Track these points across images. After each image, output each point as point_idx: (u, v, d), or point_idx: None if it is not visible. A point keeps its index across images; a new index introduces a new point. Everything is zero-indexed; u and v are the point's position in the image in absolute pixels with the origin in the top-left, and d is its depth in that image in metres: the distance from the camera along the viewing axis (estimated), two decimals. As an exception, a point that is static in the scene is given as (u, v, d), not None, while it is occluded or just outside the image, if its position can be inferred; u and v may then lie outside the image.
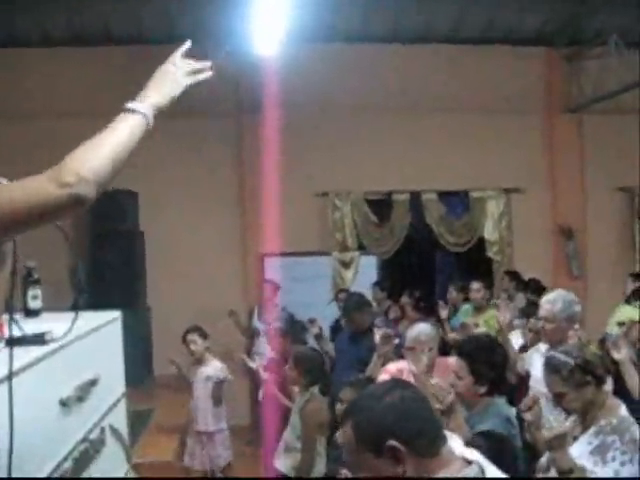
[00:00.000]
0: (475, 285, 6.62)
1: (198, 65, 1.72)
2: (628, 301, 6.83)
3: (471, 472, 1.60)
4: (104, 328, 2.41)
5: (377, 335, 4.53)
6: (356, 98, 8.22)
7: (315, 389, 4.34)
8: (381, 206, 8.73)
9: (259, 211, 8.12)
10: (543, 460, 3.04)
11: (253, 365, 5.01)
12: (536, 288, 6.90)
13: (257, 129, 8.02)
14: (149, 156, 7.68)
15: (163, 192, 7.92)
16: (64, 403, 1.87)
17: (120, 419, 2.60)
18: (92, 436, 2.14)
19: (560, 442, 2.80)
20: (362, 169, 8.43)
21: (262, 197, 8.15)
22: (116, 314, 2.61)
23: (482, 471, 1.63)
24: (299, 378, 4.39)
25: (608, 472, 2.83)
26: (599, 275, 8.58)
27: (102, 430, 2.30)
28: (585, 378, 3.01)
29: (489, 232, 8.82)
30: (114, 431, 2.51)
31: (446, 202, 8.85)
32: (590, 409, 3.03)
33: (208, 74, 1.75)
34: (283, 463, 4.39)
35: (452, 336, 5.93)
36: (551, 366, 3.11)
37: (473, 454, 1.69)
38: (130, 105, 1.53)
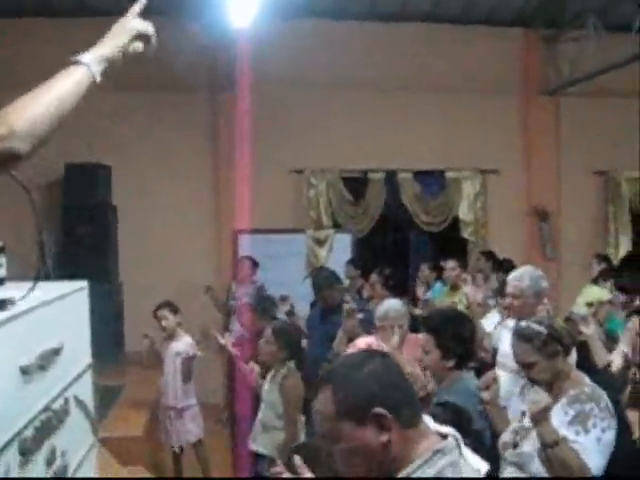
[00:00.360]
0: (450, 264, 6.65)
1: (149, 30, 1.66)
2: (595, 282, 6.91)
3: (450, 444, 1.59)
4: (69, 297, 2.36)
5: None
6: (333, 76, 8.18)
7: (292, 364, 4.28)
8: (356, 184, 8.72)
9: (233, 187, 8.09)
10: (506, 437, 3.07)
11: (222, 341, 4.97)
12: (509, 268, 6.94)
13: (232, 105, 7.95)
14: (123, 130, 7.72)
15: (137, 166, 7.84)
16: (25, 371, 1.83)
17: (86, 391, 2.56)
18: (55, 406, 2.11)
19: (544, 415, 2.84)
20: (338, 147, 8.40)
21: (236, 173, 8.11)
22: (83, 284, 2.56)
23: (458, 443, 1.61)
24: (277, 352, 4.30)
25: (591, 439, 2.87)
26: (572, 257, 8.66)
27: (66, 401, 2.26)
28: (556, 348, 3.06)
29: (464, 212, 8.86)
30: (79, 402, 2.48)
31: (421, 181, 8.86)
32: (557, 380, 3.08)
33: (151, 47, 1.68)
34: (262, 444, 4.32)
35: (417, 312, 5.96)
36: (523, 336, 3.15)
37: (443, 428, 1.67)
38: (74, 57, 1.47)
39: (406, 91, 8.42)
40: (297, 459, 1.48)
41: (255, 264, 7.50)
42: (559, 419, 2.93)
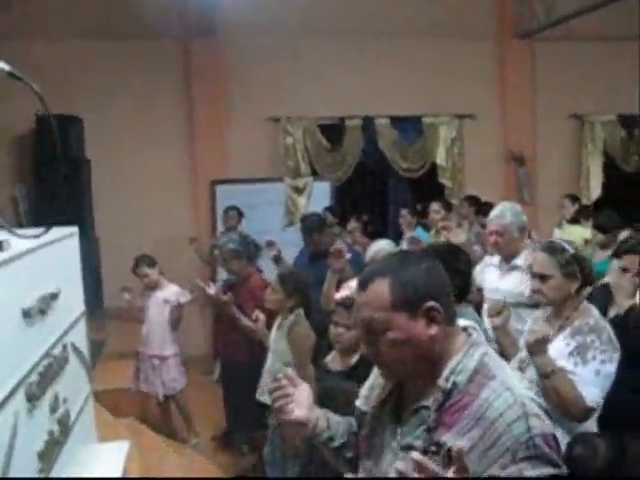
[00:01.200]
0: (435, 206, 6.61)
1: None
2: (575, 221, 6.91)
3: (480, 337, 1.76)
4: (62, 242, 2.29)
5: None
6: (308, 22, 7.99)
7: (300, 311, 4.12)
8: (333, 132, 8.60)
9: (209, 137, 7.95)
10: (513, 364, 3.06)
11: (211, 291, 4.89)
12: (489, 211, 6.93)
13: (206, 53, 7.78)
14: (94, 81, 7.50)
15: (110, 118, 7.61)
16: (27, 314, 1.77)
17: (81, 339, 2.50)
18: (55, 352, 2.05)
19: (542, 345, 2.85)
20: (314, 94, 8.26)
21: (212, 123, 7.97)
22: (73, 229, 2.48)
23: (479, 332, 1.78)
24: (285, 300, 4.14)
25: (589, 371, 2.88)
26: (549, 201, 8.67)
27: (64, 347, 2.21)
28: (576, 271, 3.05)
29: (441, 158, 8.81)
30: (76, 350, 2.42)
31: (399, 127, 8.77)
32: (564, 306, 3.07)
33: None
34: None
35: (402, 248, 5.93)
36: (549, 248, 3.14)
37: (462, 321, 1.79)
38: None
39: (382, 37, 8.27)
40: None
41: (240, 214, 7.41)
42: (560, 350, 2.95)
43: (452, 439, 1.59)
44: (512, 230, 4.23)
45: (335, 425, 1.97)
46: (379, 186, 9.16)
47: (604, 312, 3.51)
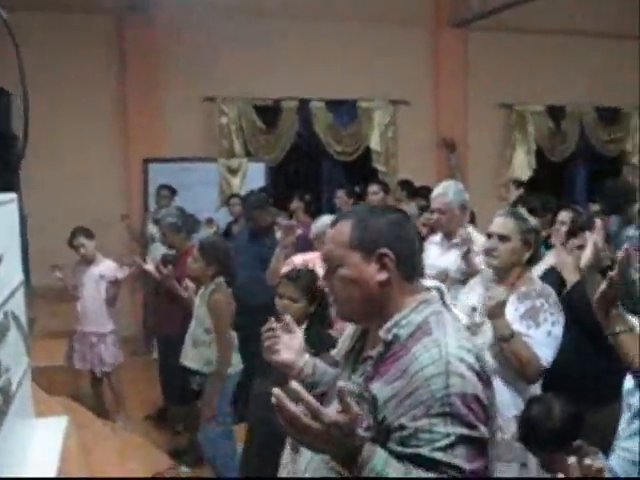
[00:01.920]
0: (373, 187, 6.65)
1: None
2: (515, 206, 7.06)
3: (434, 296, 1.76)
4: (1, 207, 2.20)
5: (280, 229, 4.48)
6: (244, 2, 7.86)
7: (221, 279, 4.18)
8: (269, 113, 8.57)
9: (142, 115, 7.78)
10: None
11: (149, 267, 4.82)
12: (427, 194, 7.00)
13: (140, 29, 7.59)
14: (24, 55, 7.16)
15: (39, 93, 7.24)
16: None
17: (20, 310, 2.42)
18: (-2, 318, 1.97)
19: (501, 310, 2.94)
20: (250, 75, 8.18)
21: (146, 101, 7.80)
22: (12, 196, 2.39)
23: (442, 296, 1.79)
24: (205, 268, 4.19)
25: (542, 333, 3.01)
26: (479, 187, 8.82)
27: (5, 315, 2.13)
28: (531, 242, 3.14)
29: (375, 142, 8.85)
30: (16, 319, 2.34)
31: (334, 111, 8.79)
32: (509, 273, 3.18)
33: None
34: (192, 359, 4.24)
35: None
36: (513, 213, 3.28)
37: (429, 282, 1.84)
38: None
39: (319, 20, 8.24)
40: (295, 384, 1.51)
41: (173, 192, 7.30)
42: (511, 315, 3.04)
43: (379, 388, 1.64)
44: (453, 208, 4.30)
45: (321, 373, 2.04)
46: (313, 168, 9.17)
47: (558, 293, 3.61)
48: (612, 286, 2.35)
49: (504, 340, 2.94)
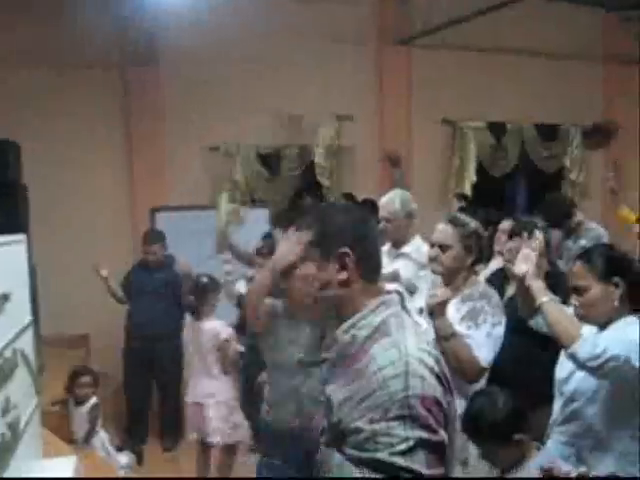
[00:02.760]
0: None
1: None
2: None
3: (394, 299, 1.64)
4: (10, 247, 2.10)
5: None
6: (245, 50, 7.58)
7: None
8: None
9: (148, 165, 7.53)
10: None
11: None
12: (372, 207, 6.71)
13: (144, 81, 7.43)
14: (33, 107, 7.01)
15: (47, 144, 7.09)
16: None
17: (29, 348, 2.26)
18: (7, 354, 1.84)
19: (442, 308, 2.83)
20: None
21: (151, 151, 7.57)
22: (21, 237, 2.28)
23: (402, 299, 1.67)
24: None
25: (481, 334, 2.94)
26: (423, 202, 8.54)
27: (14, 352, 1.98)
28: (472, 246, 3.01)
29: (320, 157, 8.28)
30: (25, 357, 2.18)
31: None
32: (455, 277, 3.08)
33: None
34: None
35: None
36: (454, 219, 3.14)
37: (390, 285, 1.72)
38: None
39: (272, 38, 7.69)
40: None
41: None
42: (451, 315, 2.94)
43: (334, 389, 1.55)
44: (400, 216, 4.17)
45: None
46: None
47: (501, 294, 3.53)
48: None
49: (445, 339, 2.80)
